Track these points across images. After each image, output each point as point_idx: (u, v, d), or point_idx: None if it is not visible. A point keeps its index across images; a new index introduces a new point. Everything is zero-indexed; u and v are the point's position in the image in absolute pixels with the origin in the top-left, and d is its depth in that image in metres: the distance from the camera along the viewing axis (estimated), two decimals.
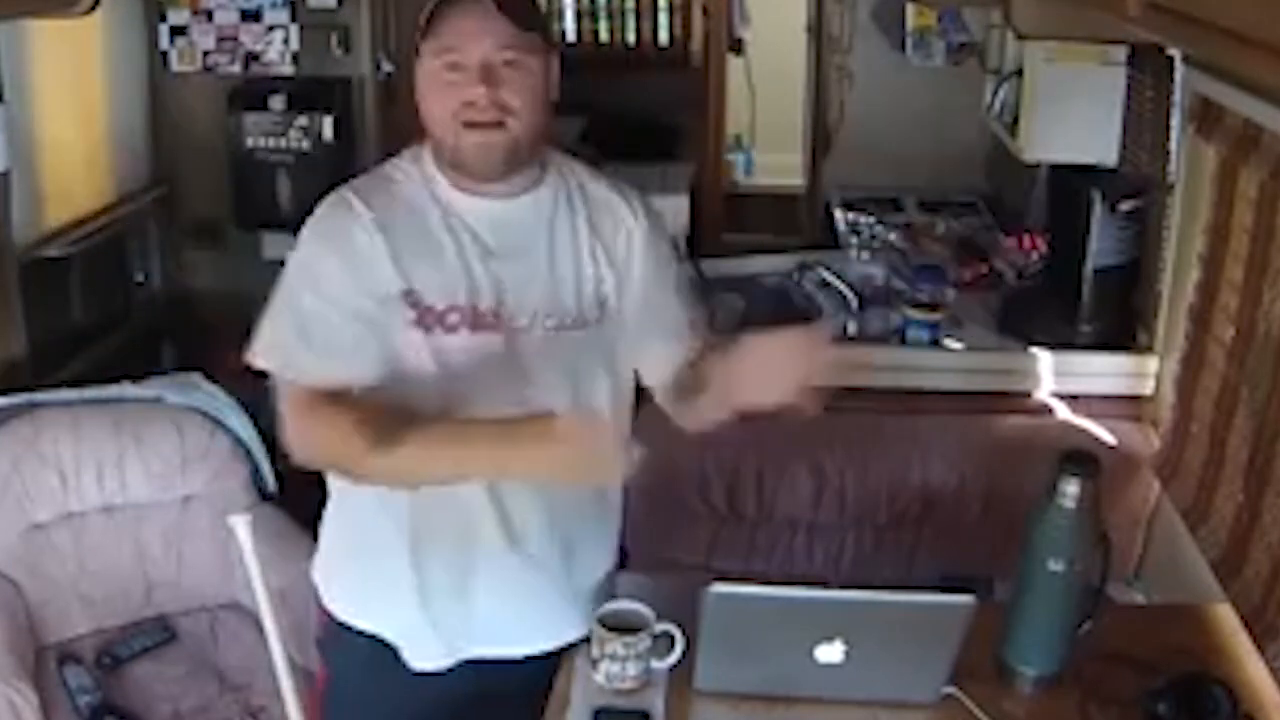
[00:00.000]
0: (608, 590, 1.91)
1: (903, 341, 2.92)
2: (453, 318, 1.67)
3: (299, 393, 1.67)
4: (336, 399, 1.63)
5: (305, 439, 1.66)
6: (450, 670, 1.83)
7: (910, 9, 3.91)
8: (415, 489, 1.71)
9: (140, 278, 3.60)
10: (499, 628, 1.82)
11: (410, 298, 1.65)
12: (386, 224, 1.67)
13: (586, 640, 1.83)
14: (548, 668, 1.84)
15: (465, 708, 1.83)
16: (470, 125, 1.64)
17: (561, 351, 1.72)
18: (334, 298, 1.65)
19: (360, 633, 1.84)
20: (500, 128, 1.64)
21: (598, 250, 1.77)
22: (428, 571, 1.78)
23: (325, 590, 1.90)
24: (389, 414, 1.62)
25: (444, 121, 1.65)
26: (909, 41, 3.94)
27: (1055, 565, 1.78)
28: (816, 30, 4.44)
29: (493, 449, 1.62)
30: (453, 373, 1.67)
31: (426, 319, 1.66)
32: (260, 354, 1.68)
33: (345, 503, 1.84)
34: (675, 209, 4.08)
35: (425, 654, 1.82)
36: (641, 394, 2.66)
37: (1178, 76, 2.53)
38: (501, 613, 1.81)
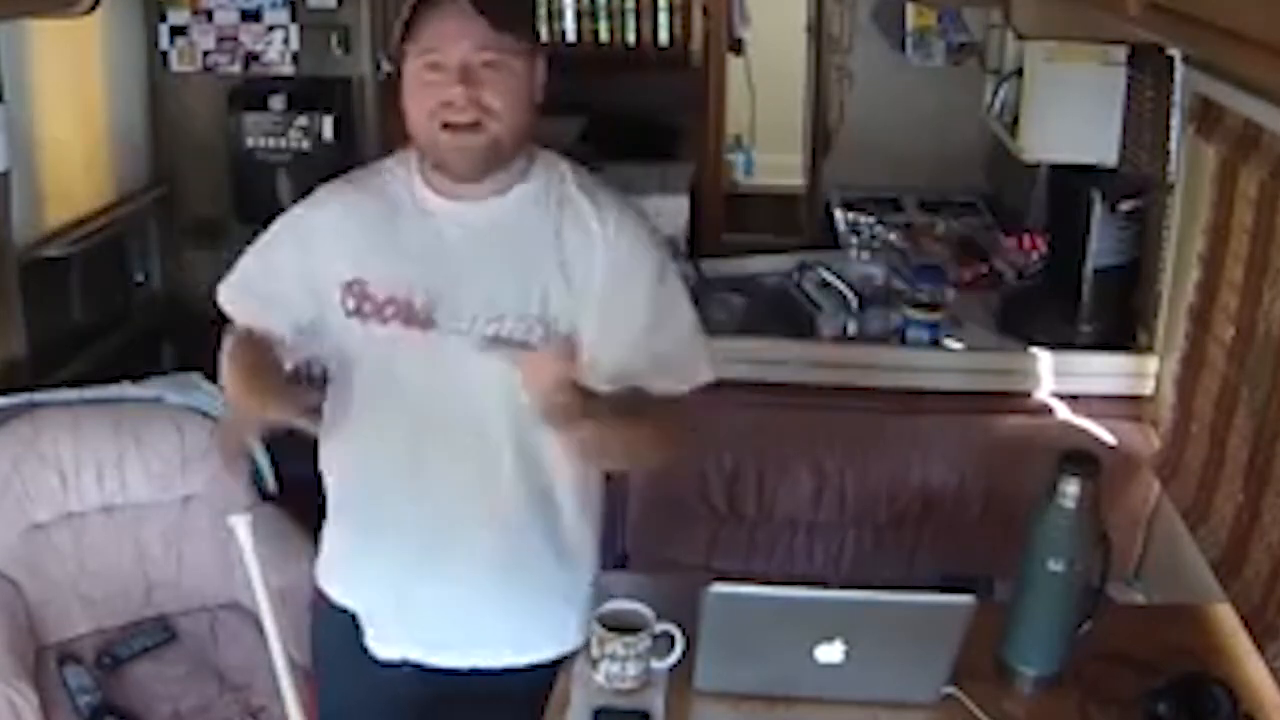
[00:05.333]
0: (567, 619, 1.87)
1: (903, 341, 2.92)
2: (389, 310, 1.72)
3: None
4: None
5: None
6: (401, 665, 1.86)
7: (910, 9, 3.91)
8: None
9: (140, 278, 3.61)
10: (449, 629, 1.84)
11: (354, 287, 1.73)
12: (358, 216, 1.77)
13: (531, 669, 1.84)
14: (494, 685, 1.84)
15: (412, 708, 1.87)
16: (447, 127, 1.65)
17: (499, 358, 1.67)
18: (283, 266, 1.81)
19: (335, 606, 1.90)
20: (477, 128, 1.65)
21: (560, 264, 1.71)
22: (404, 540, 1.81)
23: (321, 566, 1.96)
24: None
25: (422, 122, 1.67)
26: (909, 41, 3.94)
27: (1055, 565, 1.78)
28: (816, 30, 4.44)
29: None
30: (380, 361, 1.75)
31: (364, 307, 1.73)
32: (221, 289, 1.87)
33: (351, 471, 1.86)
34: (675, 209, 4.07)
35: (385, 636, 1.86)
36: None
37: (1178, 76, 2.53)
38: (454, 612, 1.82)
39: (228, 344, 1.73)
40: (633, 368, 1.72)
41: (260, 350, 1.69)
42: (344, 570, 1.91)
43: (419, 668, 1.85)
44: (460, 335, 1.69)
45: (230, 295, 1.86)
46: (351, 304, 1.73)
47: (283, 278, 1.81)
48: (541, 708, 1.80)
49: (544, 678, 1.84)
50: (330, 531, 1.92)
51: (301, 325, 1.77)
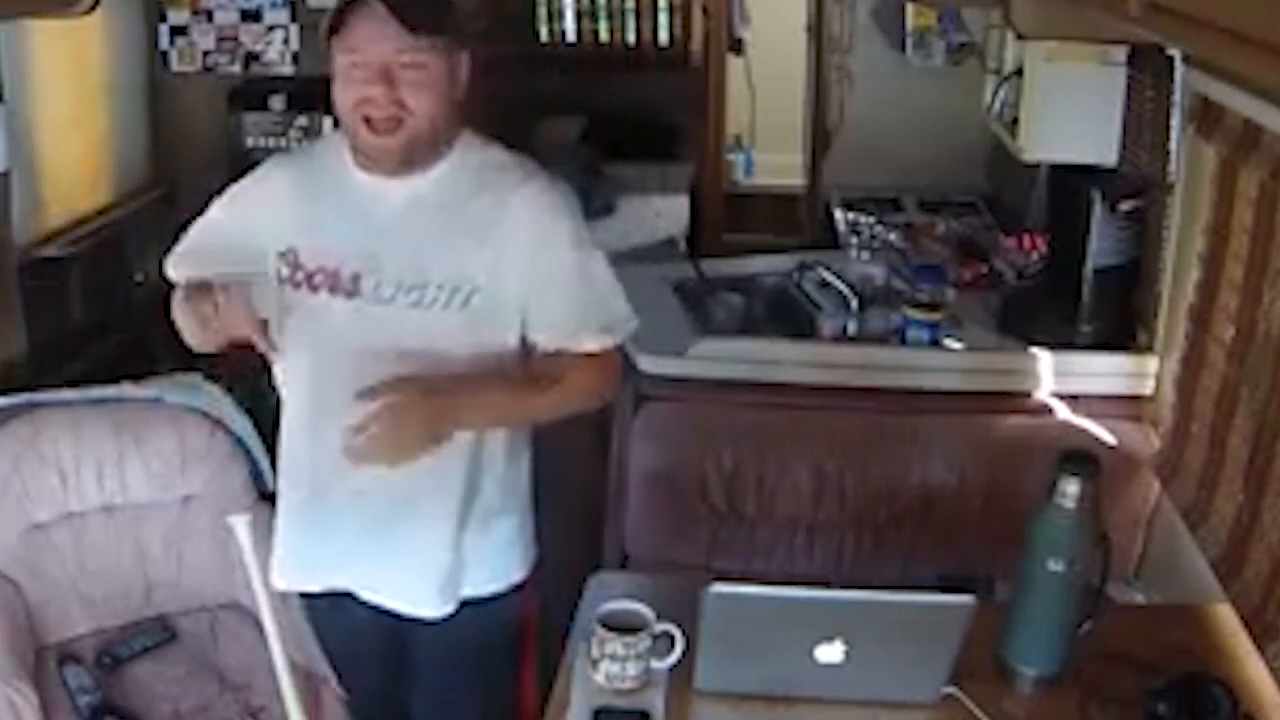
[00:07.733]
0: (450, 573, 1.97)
1: (903, 341, 2.92)
2: (318, 278, 1.85)
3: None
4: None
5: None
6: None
7: (910, 9, 3.91)
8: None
9: (140, 278, 3.60)
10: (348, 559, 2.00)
11: (288, 256, 1.87)
12: (296, 189, 1.91)
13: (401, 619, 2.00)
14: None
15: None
16: (369, 122, 1.78)
17: (418, 326, 1.82)
18: (226, 229, 1.94)
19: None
20: (399, 126, 1.78)
21: (476, 233, 1.83)
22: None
23: None
24: None
25: (347, 113, 1.80)
26: (909, 41, 3.94)
27: (1055, 565, 1.78)
28: (816, 30, 4.44)
29: None
30: (308, 327, 1.87)
31: (296, 276, 1.87)
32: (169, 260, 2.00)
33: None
34: (675, 209, 4.08)
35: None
36: (643, 395, 2.66)
37: (1178, 76, 2.53)
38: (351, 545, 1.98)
39: (177, 295, 1.88)
40: (564, 324, 1.84)
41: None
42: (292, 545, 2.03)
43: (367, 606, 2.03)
44: (383, 304, 1.83)
45: (176, 264, 1.99)
46: (285, 272, 1.87)
47: (226, 247, 1.92)
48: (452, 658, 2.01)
49: (443, 628, 1.98)
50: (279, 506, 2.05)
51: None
